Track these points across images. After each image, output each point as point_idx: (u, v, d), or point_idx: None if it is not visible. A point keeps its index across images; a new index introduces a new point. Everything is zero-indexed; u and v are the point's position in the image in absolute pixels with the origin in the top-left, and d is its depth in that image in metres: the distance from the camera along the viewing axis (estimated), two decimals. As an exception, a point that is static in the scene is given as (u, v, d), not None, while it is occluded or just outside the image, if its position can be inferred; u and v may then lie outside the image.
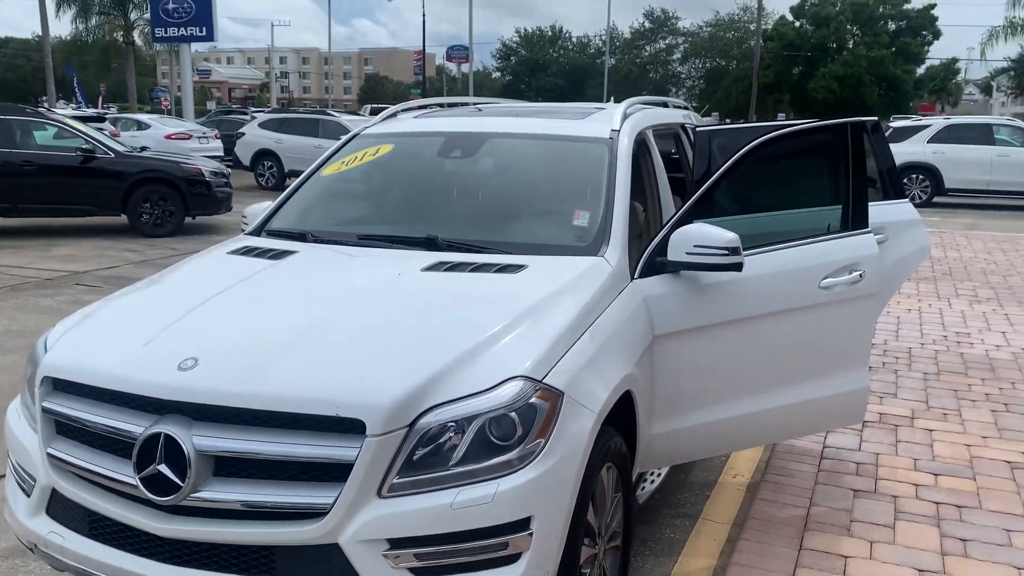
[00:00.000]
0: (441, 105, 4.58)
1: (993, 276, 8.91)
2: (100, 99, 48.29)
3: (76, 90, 33.10)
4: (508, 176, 3.67)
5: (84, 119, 15.71)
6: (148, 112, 43.42)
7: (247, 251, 3.23)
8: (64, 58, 42.42)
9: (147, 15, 34.88)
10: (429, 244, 3.16)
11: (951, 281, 8.59)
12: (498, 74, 72.09)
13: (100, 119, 18.18)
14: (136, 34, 38.97)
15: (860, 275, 3.53)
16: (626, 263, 3.11)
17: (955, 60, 57.86)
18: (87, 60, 42.14)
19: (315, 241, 3.33)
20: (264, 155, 18.88)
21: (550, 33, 67.63)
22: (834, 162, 3.72)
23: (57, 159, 10.99)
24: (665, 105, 4.81)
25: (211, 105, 57.68)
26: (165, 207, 11.37)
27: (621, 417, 2.80)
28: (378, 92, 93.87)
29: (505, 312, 2.56)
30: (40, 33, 39.68)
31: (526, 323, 2.54)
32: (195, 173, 11.50)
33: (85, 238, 11.01)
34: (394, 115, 4.30)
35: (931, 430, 4.49)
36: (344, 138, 4.10)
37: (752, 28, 51.95)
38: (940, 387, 5.19)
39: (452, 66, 58.68)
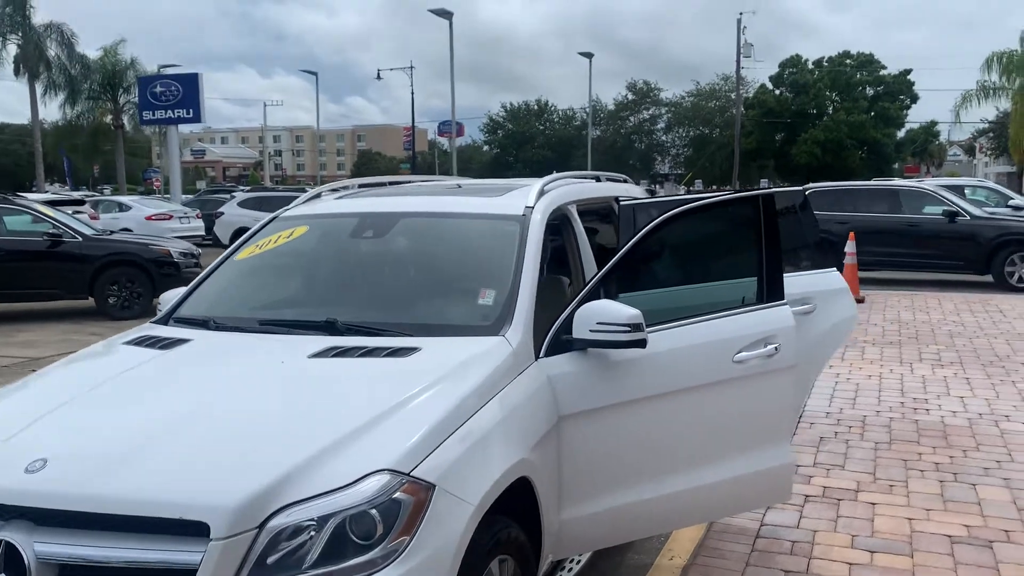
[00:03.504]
0: (361, 186, 4.57)
1: (959, 339, 8.85)
2: (92, 181, 48.75)
3: (67, 172, 33.43)
4: (417, 256, 3.64)
5: (63, 202, 15.85)
6: (141, 193, 43.91)
7: (140, 341, 3.16)
8: (56, 142, 43.03)
9: (135, 98, 35.63)
10: (329, 328, 3.10)
11: (916, 345, 8.53)
12: (486, 147, 73.22)
13: (79, 202, 18.36)
14: (126, 118, 39.57)
15: (775, 348, 3.46)
16: (530, 341, 3.04)
17: (935, 123, 59.04)
18: (77, 144, 42.69)
19: (216, 328, 3.27)
20: (243, 233, 18.91)
21: (536, 107, 68.99)
22: (748, 234, 3.69)
23: (24, 244, 11.01)
24: (598, 179, 4.81)
25: (200, 184, 58.32)
26: (133, 289, 11.34)
27: (519, 504, 2.71)
28: (371, 167, 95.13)
29: (382, 399, 2.49)
30: (45, 120, 40.39)
31: (403, 411, 2.46)
32: (163, 254, 11.51)
33: (51, 322, 10.93)
34: (317, 196, 4.29)
35: (874, 503, 4.36)
36: (262, 221, 4.08)
37: (733, 97, 52.96)
38: (890, 457, 5.07)
39: (444, 140, 59.55)
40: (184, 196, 32.23)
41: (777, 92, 54.83)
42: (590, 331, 3.02)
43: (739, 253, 3.84)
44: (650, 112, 64.17)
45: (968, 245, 13.34)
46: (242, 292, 3.66)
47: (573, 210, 3.91)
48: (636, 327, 3.00)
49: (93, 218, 17.64)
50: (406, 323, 3.14)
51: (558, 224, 3.93)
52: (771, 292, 3.59)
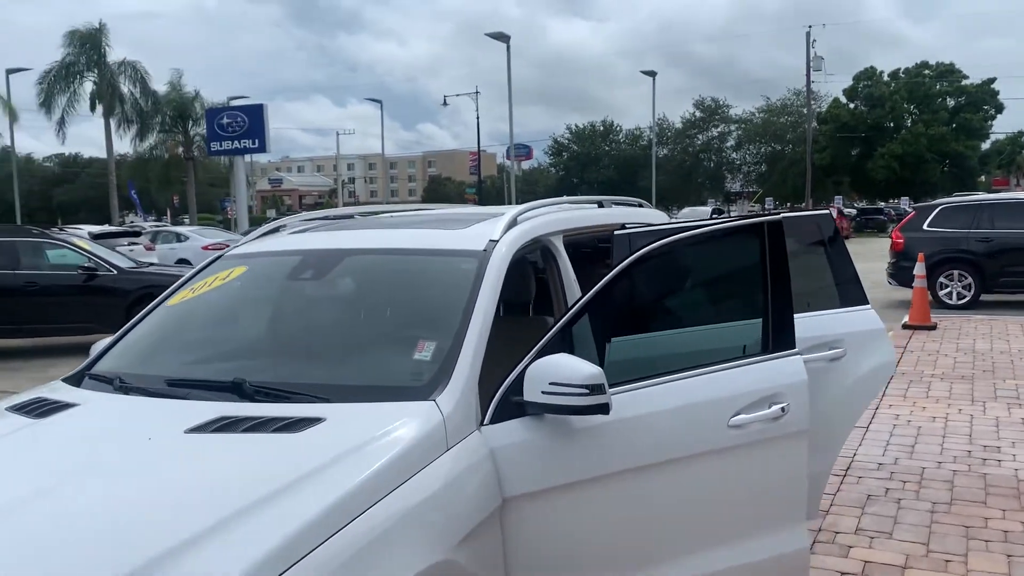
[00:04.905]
0: (327, 217, 4.10)
1: (1043, 371, 7.92)
2: (171, 211, 50.24)
3: (135, 201, 34.37)
4: (355, 301, 3.15)
5: (116, 234, 16.02)
6: (219, 222, 44.88)
7: (23, 406, 2.72)
8: (132, 174, 44.41)
9: (204, 130, 36.49)
10: (236, 389, 2.62)
11: (991, 380, 7.63)
12: (551, 170, 72.92)
13: (135, 233, 18.59)
14: (196, 149, 40.58)
15: (782, 409, 2.85)
16: (473, 405, 2.51)
17: (1022, 133, 56.19)
18: (150, 176, 43.99)
19: (120, 388, 2.82)
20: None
21: (601, 127, 68.38)
22: (752, 268, 3.09)
23: (60, 279, 10.97)
24: (600, 205, 4.24)
25: (270, 213, 59.57)
26: (167, 322, 11.17)
27: None
28: (440, 193, 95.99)
29: (246, 492, 1.98)
30: (119, 152, 41.83)
31: (268, 508, 1.94)
32: (198, 286, 11.33)
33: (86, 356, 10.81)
34: (277, 230, 3.85)
35: (924, 586, 3.65)
36: (207, 260, 3.66)
37: (805, 112, 51.44)
38: (949, 522, 4.33)
39: (514, 164, 59.44)
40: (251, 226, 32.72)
41: (851, 106, 52.95)
42: (542, 392, 2.48)
43: (742, 292, 3.24)
44: (719, 129, 62.84)
45: None
46: (164, 344, 3.21)
47: (557, 242, 3.36)
48: (596, 389, 2.44)
49: (148, 249, 17.83)
50: (324, 384, 2.63)
51: (534, 259, 3.40)
52: (778, 339, 2.98)
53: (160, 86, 39.37)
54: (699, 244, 3.08)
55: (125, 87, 37.67)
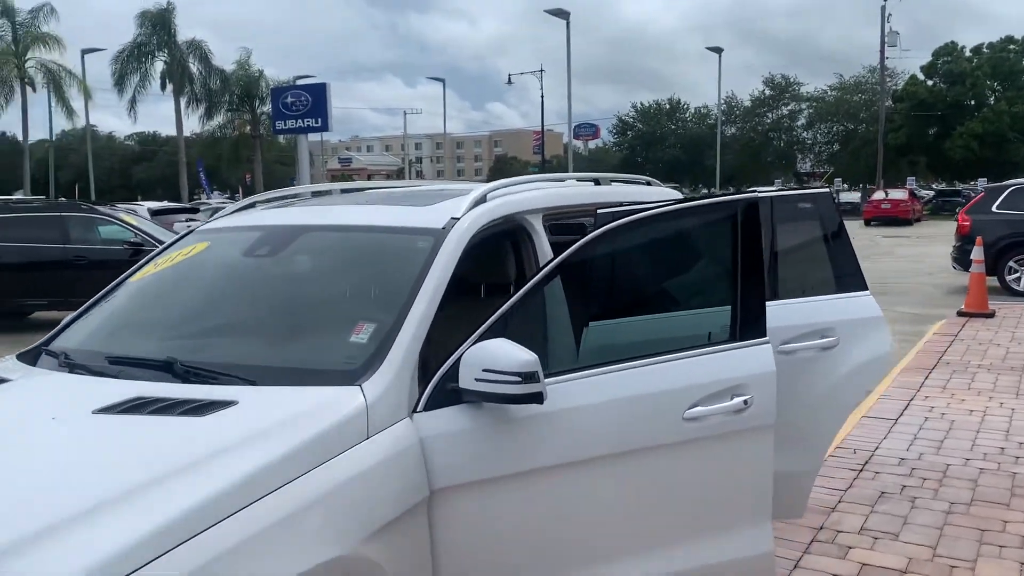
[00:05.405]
0: (314, 194, 4.01)
1: (1103, 364, 7.41)
2: (243, 189, 51.39)
3: (202, 181, 35.20)
4: (304, 279, 3.04)
5: (173, 211, 16.35)
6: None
7: None
8: (203, 153, 45.49)
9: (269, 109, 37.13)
10: (167, 368, 2.55)
11: (1044, 371, 7.18)
12: (615, 149, 71.97)
13: (193, 210, 18.95)
14: (263, 128, 41.30)
15: (745, 402, 2.65)
16: (405, 391, 2.38)
17: (1115, 111, 53.07)
18: (221, 154, 44.98)
19: (64, 364, 2.78)
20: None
21: (667, 106, 67.15)
22: (723, 251, 2.88)
23: (107, 253, 11.20)
24: (596, 182, 4.05)
25: (335, 191, 60.29)
26: (209, 296, 11.35)
27: None
28: (506, 172, 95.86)
29: (115, 483, 1.88)
30: (193, 131, 42.97)
31: (136, 500, 1.84)
32: (240, 261, 11.47)
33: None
34: (252, 205, 3.78)
35: (921, 593, 3.41)
36: (180, 234, 3.62)
37: (880, 90, 49.58)
38: (963, 524, 4.04)
39: (579, 144, 58.86)
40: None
41: (930, 83, 50.81)
42: (475, 380, 2.34)
43: (712, 276, 3.03)
44: (789, 108, 61.06)
45: None
46: (117, 320, 3.16)
47: (535, 221, 3.19)
48: (529, 377, 2.29)
49: (205, 225, 18.13)
50: (252, 365, 2.54)
51: (509, 239, 3.25)
52: (747, 326, 2.77)
53: (229, 65, 40.15)
54: (667, 224, 2.88)
55: (194, 66, 38.46)
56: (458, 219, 2.84)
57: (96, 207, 12.45)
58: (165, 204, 19.77)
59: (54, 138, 43.14)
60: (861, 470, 4.80)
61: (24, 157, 36.33)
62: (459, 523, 2.37)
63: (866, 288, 3.40)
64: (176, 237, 3.56)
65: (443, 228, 2.80)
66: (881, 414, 5.88)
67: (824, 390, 3.25)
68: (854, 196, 46.08)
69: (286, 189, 3.94)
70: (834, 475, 4.68)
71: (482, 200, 3.00)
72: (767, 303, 2.90)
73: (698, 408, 2.60)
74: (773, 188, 3.91)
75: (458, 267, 2.69)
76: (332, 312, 2.83)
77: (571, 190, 3.76)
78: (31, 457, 2.08)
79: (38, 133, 45.00)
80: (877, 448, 5.18)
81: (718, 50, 44.30)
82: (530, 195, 3.29)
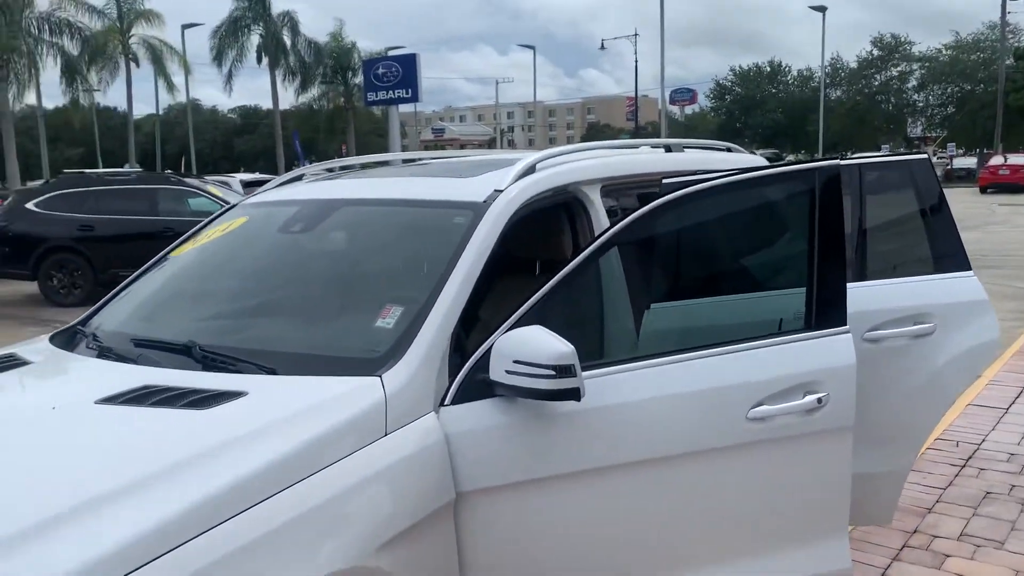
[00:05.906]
0: (363, 166, 3.81)
1: None
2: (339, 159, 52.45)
3: (297, 152, 35.91)
4: (337, 258, 2.85)
5: (259, 183, 16.65)
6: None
7: None
8: (299, 125, 46.48)
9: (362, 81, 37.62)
10: (186, 352, 2.40)
11: None
12: (712, 114, 69.88)
13: (262, 182, 19.30)
14: (356, 100, 41.86)
15: (819, 400, 2.32)
16: (429, 383, 2.17)
17: None
18: (318, 125, 45.83)
19: (90, 347, 2.67)
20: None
21: (768, 69, 64.70)
22: (800, 228, 2.53)
23: (189, 225, 11.43)
24: (668, 149, 3.70)
25: (428, 161, 60.87)
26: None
27: None
28: (598, 139, 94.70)
29: (109, 480, 1.74)
30: (291, 103, 43.98)
31: (128, 499, 1.69)
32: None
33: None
34: (299, 178, 3.61)
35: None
36: (225, 207, 3.50)
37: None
38: (1082, 533, 3.57)
39: (675, 109, 57.39)
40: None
41: (1058, 38, 47.36)
42: (506, 372, 2.11)
43: (784, 255, 2.68)
44: (899, 69, 57.88)
45: None
46: (151, 299, 3.04)
47: (592, 193, 2.91)
48: (564, 370, 2.04)
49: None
50: (271, 351, 2.36)
51: (564, 212, 2.98)
52: (823, 313, 2.43)
53: (322, 38, 40.70)
54: (735, 195, 2.55)
55: (288, 39, 39.13)
56: (502, 191, 2.58)
57: (185, 180, 12.69)
58: (256, 176, 20.14)
59: (160, 112, 44.72)
60: (964, 466, 4.35)
61: (129, 130, 37.81)
62: (489, 532, 2.16)
63: (969, 268, 2.98)
64: (219, 212, 3.43)
65: (484, 202, 2.55)
66: (988, 402, 5.37)
67: (917, 384, 2.87)
68: (970, 161, 43.49)
69: (334, 161, 3.76)
70: (932, 470, 4.26)
71: (531, 170, 2.73)
72: (852, 285, 2.56)
73: (764, 407, 2.29)
74: (870, 155, 3.53)
75: (505, 243, 2.45)
76: (361, 294, 2.63)
77: (633, 158, 3.44)
78: (21, 450, 1.94)
79: (145, 108, 46.75)
80: (983, 441, 4.70)
81: (822, 9, 42.24)
82: (586, 164, 3.00)
